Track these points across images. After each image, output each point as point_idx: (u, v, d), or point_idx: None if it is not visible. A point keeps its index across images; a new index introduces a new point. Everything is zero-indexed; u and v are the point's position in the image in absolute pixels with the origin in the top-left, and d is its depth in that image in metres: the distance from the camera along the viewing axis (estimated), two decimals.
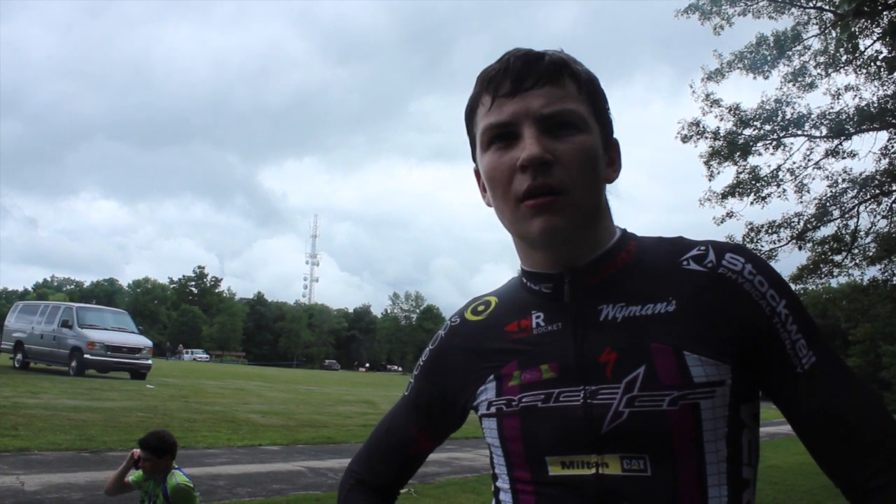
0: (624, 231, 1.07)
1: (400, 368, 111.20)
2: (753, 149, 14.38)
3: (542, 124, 0.96)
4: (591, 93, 1.02)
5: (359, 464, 1.28)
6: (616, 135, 1.09)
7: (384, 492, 1.26)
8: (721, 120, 14.28)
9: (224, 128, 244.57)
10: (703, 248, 1.02)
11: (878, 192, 14.17)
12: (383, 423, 1.27)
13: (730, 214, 14.70)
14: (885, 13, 10.47)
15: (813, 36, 13.40)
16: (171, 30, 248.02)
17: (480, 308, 1.15)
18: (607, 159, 1.04)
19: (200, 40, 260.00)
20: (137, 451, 4.07)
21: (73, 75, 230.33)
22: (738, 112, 14.12)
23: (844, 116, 13.66)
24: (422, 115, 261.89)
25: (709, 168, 14.55)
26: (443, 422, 1.20)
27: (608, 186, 1.06)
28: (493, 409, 1.04)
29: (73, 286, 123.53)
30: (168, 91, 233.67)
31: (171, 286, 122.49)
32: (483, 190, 1.08)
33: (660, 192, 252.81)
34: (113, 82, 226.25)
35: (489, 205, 1.06)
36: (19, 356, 22.70)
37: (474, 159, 1.10)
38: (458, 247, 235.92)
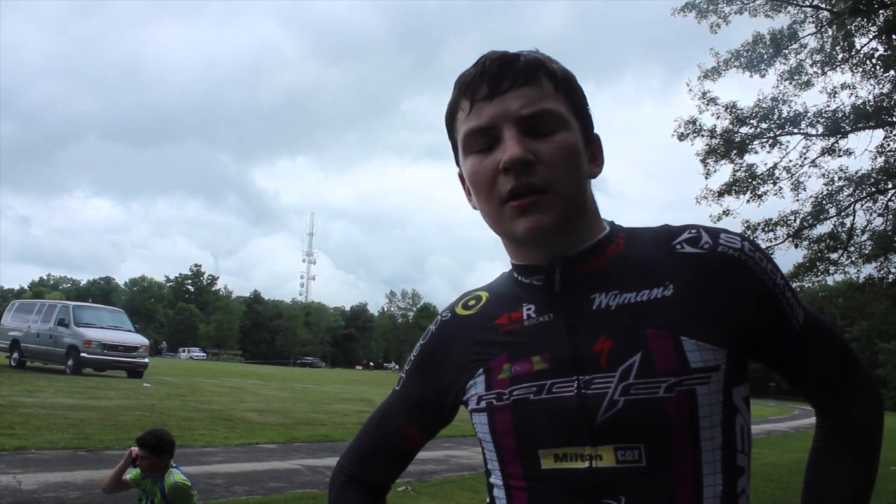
0: (612, 223, 1.08)
1: (397, 367, 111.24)
2: (750, 147, 14.38)
3: (522, 125, 0.97)
4: (568, 90, 1.02)
5: (349, 460, 1.26)
6: (607, 134, 1.10)
7: (375, 487, 1.25)
8: (717, 118, 14.29)
9: (216, 127, 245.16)
10: (693, 231, 1.03)
11: (874, 190, 14.18)
12: (374, 418, 1.26)
13: (726, 212, 14.69)
14: (880, 11, 10.48)
15: (809, 34, 13.41)
16: (162, 29, 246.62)
17: (471, 303, 1.15)
18: (589, 155, 1.04)
19: (192, 40, 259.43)
20: (135, 449, 4.06)
21: (64, 75, 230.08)
22: (734, 110, 14.12)
23: (840, 115, 13.65)
24: (414, 113, 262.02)
25: (705, 166, 14.54)
26: (434, 417, 1.19)
27: (594, 182, 1.06)
28: (482, 404, 1.04)
29: (69, 285, 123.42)
30: (160, 90, 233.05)
31: (168, 284, 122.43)
32: (468, 193, 1.09)
33: (653, 190, 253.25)
34: (104, 82, 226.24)
35: (475, 207, 1.07)
36: (16, 355, 22.65)
37: (458, 163, 1.10)
38: (452, 245, 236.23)
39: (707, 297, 0.96)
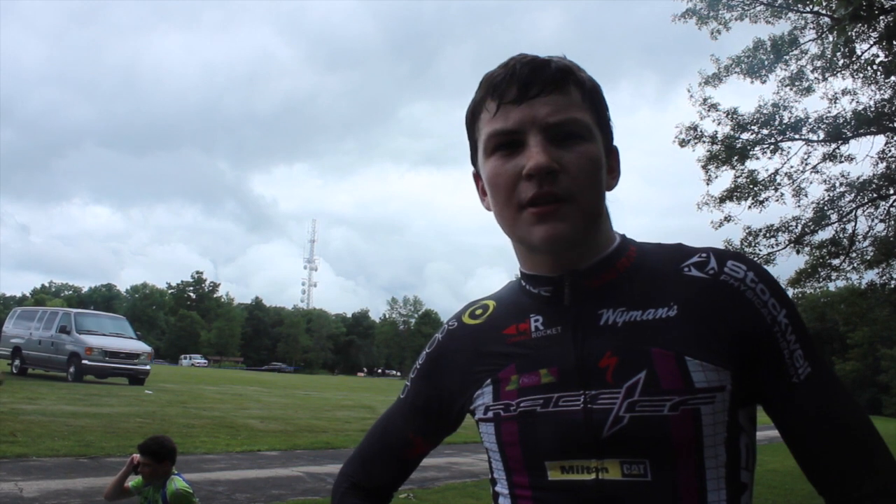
0: (623, 237, 1.07)
1: (399, 373, 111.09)
2: (751, 153, 14.38)
3: (548, 133, 0.95)
4: (594, 101, 1.01)
5: (353, 466, 1.26)
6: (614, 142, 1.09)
7: (379, 495, 1.25)
8: (719, 124, 14.30)
9: (213, 134, 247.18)
10: (703, 255, 1.02)
11: (875, 195, 14.18)
12: (378, 425, 1.26)
13: (728, 218, 14.68)
14: (881, 17, 10.50)
15: (810, 40, 13.41)
16: (159, 38, 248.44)
17: (478, 312, 1.14)
18: (607, 167, 1.04)
19: (189, 48, 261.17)
20: (137, 456, 4.06)
21: (62, 83, 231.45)
22: (735, 116, 14.12)
23: (842, 120, 13.65)
24: (411, 120, 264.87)
25: (706, 172, 14.55)
26: (438, 425, 1.19)
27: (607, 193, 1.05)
28: (490, 414, 1.04)
29: (70, 292, 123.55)
30: (157, 98, 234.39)
31: (170, 291, 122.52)
32: (483, 194, 1.08)
33: (652, 196, 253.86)
34: (102, 89, 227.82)
35: (488, 209, 1.06)
36: (17, 362, 22.64)
37: (473, 163, 1.09)
38: (452, 251, 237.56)
39: (708, 321, 0.96)
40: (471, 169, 1.12)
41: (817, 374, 0.96)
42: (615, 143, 1.08)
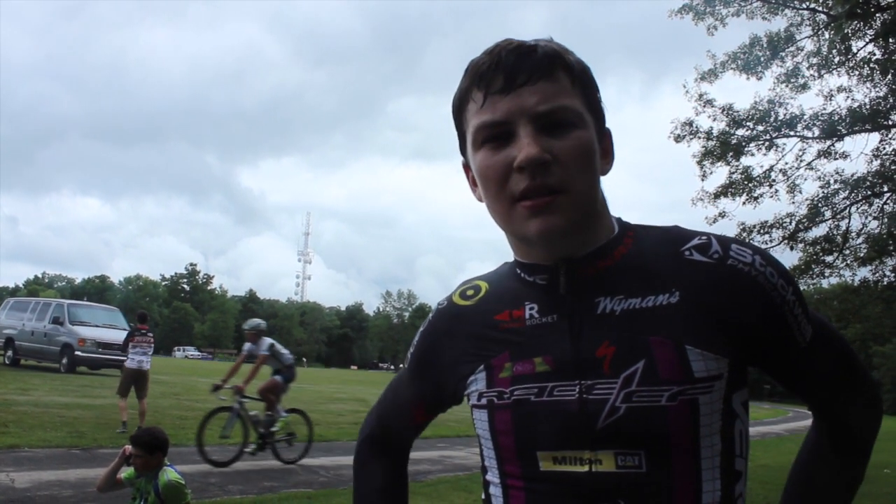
0: (620, 220, 1.05)
1: (392, 367, 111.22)
2: (746, 149, 14.38)
3: (538, 122, 0.93)
4: (584, 84, 0.98)
5: (372, 417, 1.33)
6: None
7: (395, 446, 1.31)
8: (714, 120, 14.30)
9: (200, 128, 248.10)
10: (704, 237, 0.99)
11: (869, 193, 14.20)
12: (391, 387, 1.31)
13: (722, 214, 14.70)
14: (877, 15, 10.51)
15: (806, 37, 13.41)
16: (145, 32, 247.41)
17: (469, 292, 1.12)
18: (601, 150, 1.01)
19: (175, 42, 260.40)
20: (129, 447, 4.06)
21: (49, 76, 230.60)
22: (730, 112, 14.13)
23: (837, 118, 13.65)
24: (399, 115, 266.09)
25: (701, 168, 14.55)
26: (437, 403, 1.20)
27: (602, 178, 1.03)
28: (483, 401, 1.02)
29: (64, 283, 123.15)
30: (144, 92, 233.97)
31: (163, 283, 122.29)
32: (473, 184, 1.05)
33: (641, 192, 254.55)
34: (89, 83, 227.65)
35: (480, 200, 1.03)
36: (10, 353, 22.63)
37: (462, 153, 1.06)
38: (442, 245, 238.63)
39: (712, 308, 0.94)
40: (460, 160, 1.10)
41: (816, 329, 1.01)
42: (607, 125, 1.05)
